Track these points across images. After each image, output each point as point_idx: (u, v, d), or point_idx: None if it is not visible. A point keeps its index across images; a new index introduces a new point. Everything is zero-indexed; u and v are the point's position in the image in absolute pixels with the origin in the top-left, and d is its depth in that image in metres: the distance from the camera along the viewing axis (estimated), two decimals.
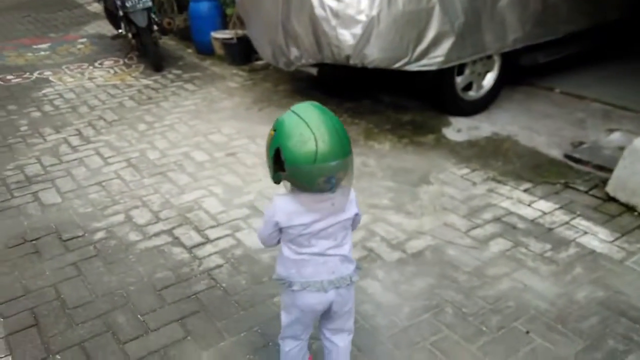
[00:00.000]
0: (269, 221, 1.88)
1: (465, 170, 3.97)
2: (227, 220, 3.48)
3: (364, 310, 2.66)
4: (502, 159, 4.09)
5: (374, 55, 4.14)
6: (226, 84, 5.99)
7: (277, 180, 1.85)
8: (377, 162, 4.15)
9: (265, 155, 1.81)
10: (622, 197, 3.45)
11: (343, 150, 1.72)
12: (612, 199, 3.51)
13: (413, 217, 3.43)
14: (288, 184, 1.85)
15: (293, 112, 1.76)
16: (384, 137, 4.55)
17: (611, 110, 4.85)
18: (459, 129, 4.64)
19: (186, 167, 4.19)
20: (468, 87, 4.81)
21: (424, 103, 5.04)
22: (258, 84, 5.93)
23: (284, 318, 2.09)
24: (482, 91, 4.88)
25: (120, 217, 3.56)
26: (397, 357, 2.42)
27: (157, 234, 3.37)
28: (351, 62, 4.22)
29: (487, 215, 3.42)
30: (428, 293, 2.78)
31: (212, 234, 3.35)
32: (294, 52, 4.58)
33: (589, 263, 2.96)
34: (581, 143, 4.31)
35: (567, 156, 4.13)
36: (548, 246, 3.11)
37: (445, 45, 4.17)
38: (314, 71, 4.73)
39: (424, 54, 4.22)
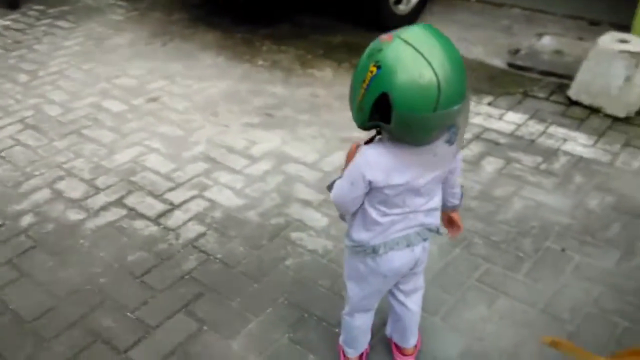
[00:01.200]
0: (358, 180, 1.50)
1: None
2: (187, 179, 2.96)
3: None
4: None
5: None
6: (108, 17, 5.11)
7: (368, 128, 1.46)
8: (327, 91, 3.80)
9: (354, 94, 1.42)
10: (586, 100, 3.48)
11: (465, 91, 1.36)
12: (575, 103, 3.53)
13: None
14: (385, 135, 1.48)
15: (404, 41, 1.32)
16: (322, 63, 4.17)
17: (531, 14, 4.90)
18: None
19: (104, 121, 3.51)
20: (398, 0, 4.54)
21: (350, 23, 4.70)
22: (147, 15, 5.13)
23: (357, 291, 1.77)
24: (411, 4, 4.65)
25: (46, 193, 2.88)
26: (450, 301, 2.22)
27: (104, 208, 2.77)
28: None
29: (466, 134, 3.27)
30: None
31: (174, 197, 2.83)
32: None
33: (584, 170, 2.95)
34: (517, 50, 4.29)
35: (511, 65, 4.10)
36: (539, 159, 3.05)
37: None
38: None
39: None
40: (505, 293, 2.25)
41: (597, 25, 4.62)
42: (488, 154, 3.10)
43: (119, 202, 2.80)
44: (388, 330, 2.01)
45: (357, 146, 1.55)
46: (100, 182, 2.95)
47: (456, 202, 1.76)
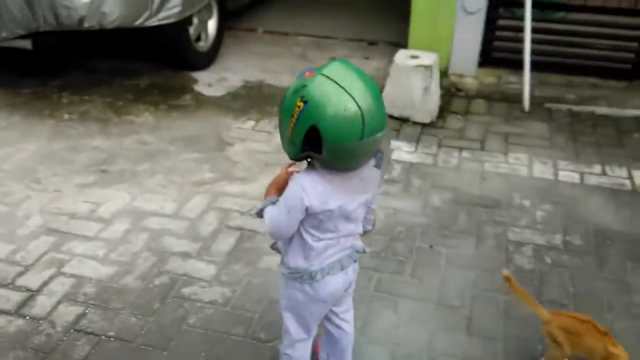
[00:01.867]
0: (295, 207, 1.57)
1: (251, 123, 3.87)
2: (35, 259, 2.61)
3: None
4: (273, 103, 4.12)
5: (115, 13, 3.55)
6: None
7: (301, 159, 1.57)
8: (155, 136, 3.66)
9: (283, 129, 1.52)
10: (395, 112, 3.95)
11: (385, 119, 1.50)
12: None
13: (249, 181, 3.22)
14: (316, 162, 1.56)
15: (326, 76, 1.44)
16: (137, 109, 4.01)
17: (318, 40, 5.34)
18: (208, 83, 4.42)
19: None
20: (198, 38, 4.58)
21: (153, 64, 4.59)
22: None
23: (296, 321, 1.82)
24: (210, 40, 4.72)
25: None
26: (361, 315, 2.36)
27: None
28: (86, 24, 3.51)
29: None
30: None
31: (29, 282, 2.48)
32: None
33: (417, 173, 3.36)
34: None
35: None
36: None
37: None
38: (26, 44, 3.70)
39: (162, 5, 3.81)
40: (401, 296, 2.47)
41: (375, 45, 5.24)
42: None
43: None
44: (324, 357, 2.06)
45: (288, 171, 1.67)
46: None
47: (369, 227, 1.88)
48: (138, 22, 3.70)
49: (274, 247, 1.80)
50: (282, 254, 1.74)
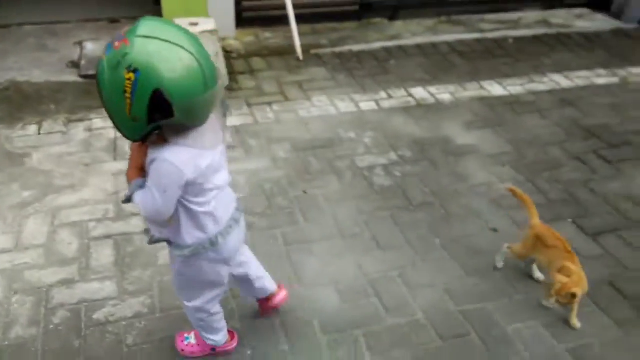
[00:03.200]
0: (172, 185, 1.49)
1: (33, 127, 3.38)
2: None
3: None
4: (46, 101, 3.62)
5: None
6: None
7: (148, 135, 1.44)
8: None
9: (117, 112, 1.38)
10: None
11: (214, 65, 1.45)
12: None
13: (80, 186, 2.86)
14: (167, 133, 1.47)
15: (146, 37, 1.33)
16: None
17: (51, 27, 4.77)
18: None
19: None
20: None
21: None
22: None
23: (209, 290, 1.81)
24: None
25: None
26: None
27: None
28: None
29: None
30: None
31: None
32: None
33: (249, 134, 3.41)
34: (76, 63, 4.24)
35: (84, 76, 4.06)
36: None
37: None
38: None
39: None
40: (310, 242, 2.59)
41: (118, 22, 4.93)
42: None
43: None
44: (247, 297, 2.11)
45: (141, 146, 1.54)
46: None
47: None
48: None
49: (153, 241, 1.69)
50: (171, 238, 1.65)
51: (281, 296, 2.14)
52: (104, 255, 2.43)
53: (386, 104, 3.82)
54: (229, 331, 2.02)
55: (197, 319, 1.89)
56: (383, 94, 3.93)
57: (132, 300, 2.22)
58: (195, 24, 3.87)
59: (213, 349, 2.00)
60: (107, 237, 2.54)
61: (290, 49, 4.50)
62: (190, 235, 1.63)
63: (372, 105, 3.80)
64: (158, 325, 2.12)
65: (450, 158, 3.24)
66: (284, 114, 3.64)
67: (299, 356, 2.03)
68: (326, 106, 3.76)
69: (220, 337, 1.97)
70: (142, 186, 1.53)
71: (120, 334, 2.07)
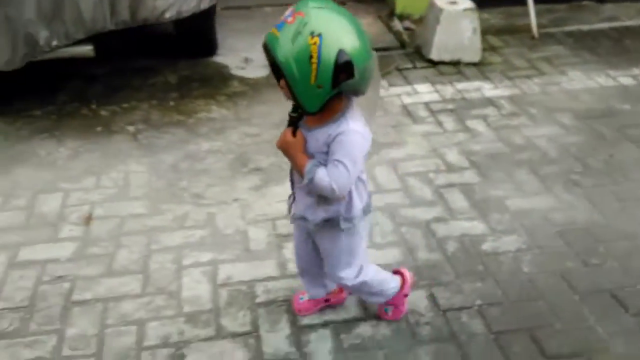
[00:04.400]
0: (361, 154, 1.60)
1: None
2: None
3: None
4: None
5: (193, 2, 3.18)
6: None
7: (326, 104, 1.52)
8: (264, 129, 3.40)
9: (302, 82, 1.45)
10: (447, 57, 4.18)
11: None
12: (438, 63, 4.18)
13: None
14: (341, 102, 1.57)
15: (318, 7, 1.45)
16: (197, 105, 3.62)
17: (284, 9, 5.21)
18: (239, 66, 4.13)
19: None
20: None
21: (154, 60, 4.09)
22: None
23: (362, 248, 1.86)
24: None
25: None
26: None
27: None
28: (167, 15, 3.10)
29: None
30: None
31: None
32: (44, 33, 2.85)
33: (520, 104, 3.66)
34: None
35: None
36: (489, 109, 3.61)
37: None
38: (88, 50, 3.05)
39: None
40: None
41: (344, 5, 5.32)
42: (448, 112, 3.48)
43: None
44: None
45: (293, 133, 1.62)
46: None
47: None
48: (202, 7, 3.34)
49: (315, 225, 1.74)
50: (339, 213, 1.71)
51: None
52: (457, 199, 2.77)
53: None
54: (395, 272, 2.07)
55: (369, 287, 1.93)
56: (636, 70, 4.06)
57: (505, 237, 2.53)
58: (455, 2, 4.17)
59: (405, 295, 2.04)
60: (451, 185, 2.87)
61: (515, 28, 4.69)
62: (357, 205, 1.71)
63: (629, 80, 3.95)
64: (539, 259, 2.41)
65: None
66: (549, 87, 3.86)
67: None
68: (585, 80, 3.94)
69: (395, 282, 2.00)
70: (317, 165, 1.59)
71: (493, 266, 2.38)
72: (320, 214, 1.70)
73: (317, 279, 2.02)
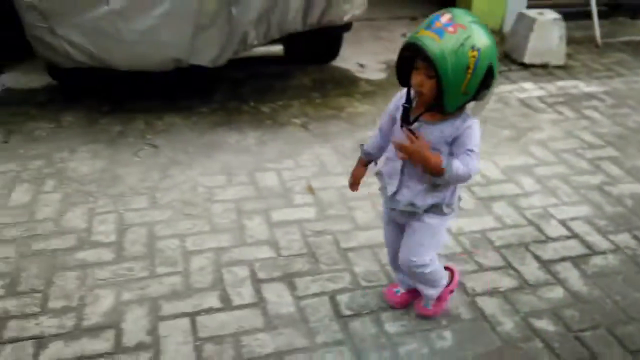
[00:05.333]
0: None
1: None
2: None
3: None
4: None
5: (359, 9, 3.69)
6: None
7: (465, 103, 1.76)
8: None
9: (454, 86, 1.65)
10: (537, 61, 4.77)
11: None
12: (529, 66, 4.76)
13: None
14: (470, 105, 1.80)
15: (474, 22, 1.65)
16: (342, 103, 4.06)
17: (370, 22, 5.75)
18: (357, 69, 4.60)
19: None
20: None
21: (281, 65, 4.51)
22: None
23: (442, 242, 2.13)
24: None
25: None
26: None
27: None
28: (345, 18, 3.57)
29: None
30: None
31: None
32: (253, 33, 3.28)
33: (617, 97, 4.25)
34: None
35: None
36: (591, 101, 4.18)
37: None
38: (278, 50, 3.46)
39: None
40: None
41: (416, 20, 5.89)
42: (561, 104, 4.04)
43: None
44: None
45: (416, 134, 1.79)
46: None
47: None
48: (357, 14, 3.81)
49: (424, 210, 1.92)
50: (444, 199, 1.90)
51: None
52: (612, 168, 3.29)
53: None
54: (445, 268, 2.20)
55: (433, 276, 2.07)
56: None
57: None
58: (541, 14, 4.78)
59: (451, 291, 2.21)
60: (599, 158, 3.39)
61: (579, 38, 5.29)
62: (457, 192, 1.95)
63: None
64: None
65: None
66: (631, 84, 4.47)
67: None
68: None
69: (446, 277, 2.17)
70: (449, 159, 1.78)
71: None
72: (429, 200, 1.88)
73: None
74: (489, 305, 2.29)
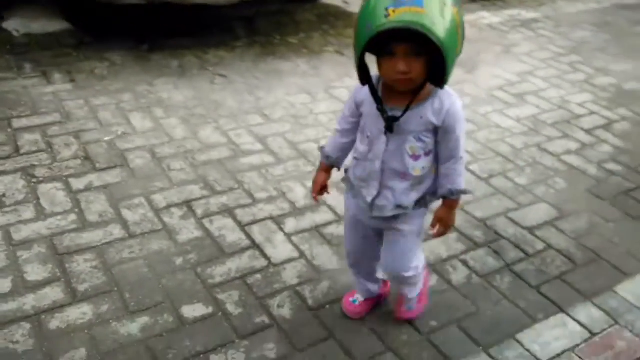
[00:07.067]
0: None
1: None
2: None
3: None
4: None
5: None
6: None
7: None
8: None
9: (454, 49, 1.42)
10: None
11: None
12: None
13: None
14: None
15: None
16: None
17: None
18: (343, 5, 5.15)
19: None
20: None
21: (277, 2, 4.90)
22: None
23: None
24: None
25: None
26: None
27: None
28: None
29: None
30: None
31: None
32: None
33: None
34: None
35: None
36: (541, 25, 5.23)
37: None
38: None
39: None
40: None
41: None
42: (519, 27, 5.03)
43: None
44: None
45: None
46: None
47: None
48: None
49: (424, 205, 1.73)
50: (428, 190, 1.71)
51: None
52: (576, 78, 4.30)
53: None
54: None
55: (420, 275, 1.92)
56: None
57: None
58: None
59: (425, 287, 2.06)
60: (574, 63, 4.39)
61: None
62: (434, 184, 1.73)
63: None
64: None
65: None
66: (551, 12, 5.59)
67: None
68: None
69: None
70: (457, 181, 1.69)
71: None
72: (414, 195, 1.68)
73: (372, 275, 1.99)
74: None
